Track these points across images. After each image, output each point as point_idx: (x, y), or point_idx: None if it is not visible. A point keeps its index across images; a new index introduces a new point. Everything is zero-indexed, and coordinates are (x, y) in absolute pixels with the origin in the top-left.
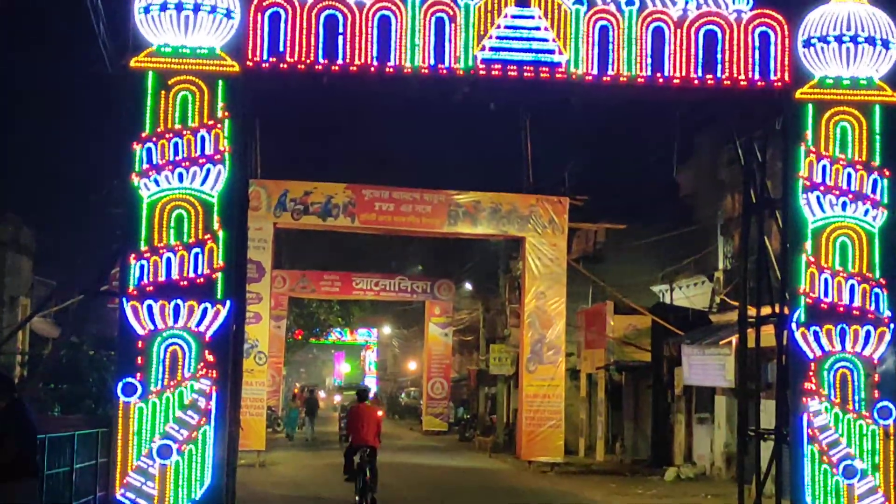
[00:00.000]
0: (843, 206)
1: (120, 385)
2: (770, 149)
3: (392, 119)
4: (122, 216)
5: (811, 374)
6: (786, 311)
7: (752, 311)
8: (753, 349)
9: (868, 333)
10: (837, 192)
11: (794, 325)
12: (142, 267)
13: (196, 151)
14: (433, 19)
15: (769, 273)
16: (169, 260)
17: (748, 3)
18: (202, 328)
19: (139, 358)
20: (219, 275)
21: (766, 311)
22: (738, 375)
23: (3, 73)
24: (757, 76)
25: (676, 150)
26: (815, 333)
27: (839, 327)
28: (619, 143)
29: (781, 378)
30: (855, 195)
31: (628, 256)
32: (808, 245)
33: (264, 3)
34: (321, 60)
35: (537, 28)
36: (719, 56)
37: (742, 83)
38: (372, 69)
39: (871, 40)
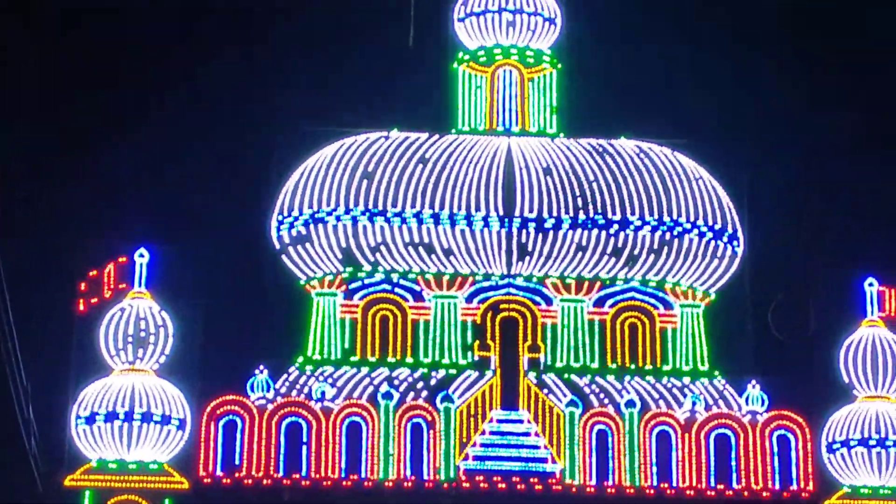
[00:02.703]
0: None
1: None
2: None
3: None
4: None
5: None
6: None
7: None
8: None
9: None
10: None
11: None
12: None
13: None
14: (409, 425)
15: None
16: None
17: (763, 403)
18: None
19: None
20: None
21: None
22: None
23: None
24: (778, 485)
25: None
26: None
27: None
28: None
29: None
30: None
31: None
32: None
33: (218, 411)
34: (281, 474)
35: (527, 434)
36: (734, 463)
37: (764, 495)
38: (345, 483)
39: None
